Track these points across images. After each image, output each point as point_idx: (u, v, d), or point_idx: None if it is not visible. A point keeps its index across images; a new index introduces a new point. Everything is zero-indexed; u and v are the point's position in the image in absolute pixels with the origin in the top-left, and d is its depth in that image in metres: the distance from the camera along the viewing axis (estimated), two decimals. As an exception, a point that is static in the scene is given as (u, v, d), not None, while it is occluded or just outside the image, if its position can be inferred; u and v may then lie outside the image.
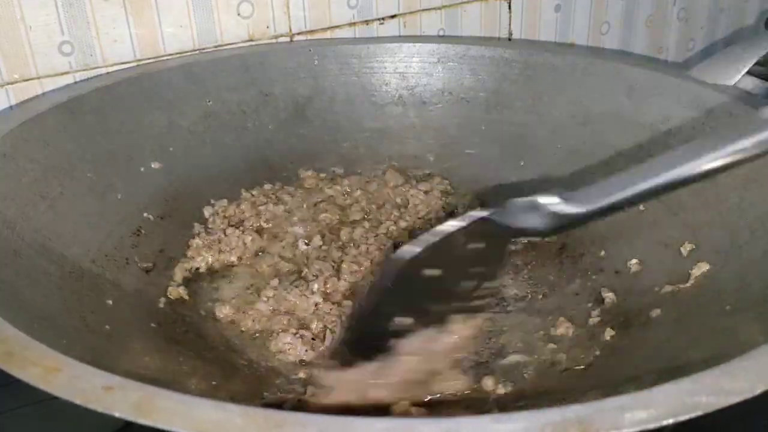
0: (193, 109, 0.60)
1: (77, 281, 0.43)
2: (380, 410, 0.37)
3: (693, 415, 0.25)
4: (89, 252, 0.46)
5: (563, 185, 0.39)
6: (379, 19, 0.70)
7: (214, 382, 0.41)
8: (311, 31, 0.68)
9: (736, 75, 0.53)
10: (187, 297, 0.49)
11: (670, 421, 0.24)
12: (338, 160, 0.64)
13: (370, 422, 0.24)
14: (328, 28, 0.68)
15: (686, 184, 0.36)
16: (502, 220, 0.40)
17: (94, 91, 0.54)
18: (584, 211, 0.37)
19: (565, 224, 0.39)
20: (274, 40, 0.67)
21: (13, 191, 0.44)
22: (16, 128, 0.47)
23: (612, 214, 0.38)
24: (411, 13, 0.71)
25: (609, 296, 0.48)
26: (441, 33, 0.74)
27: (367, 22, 0.69)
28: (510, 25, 0.77)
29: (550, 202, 0.38)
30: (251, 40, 0.66)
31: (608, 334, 0.45)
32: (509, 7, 0.76)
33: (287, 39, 0.67)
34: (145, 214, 0.53)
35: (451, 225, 0.40)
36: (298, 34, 0.67)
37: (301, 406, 0.40)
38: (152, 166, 0.55)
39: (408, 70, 0.66)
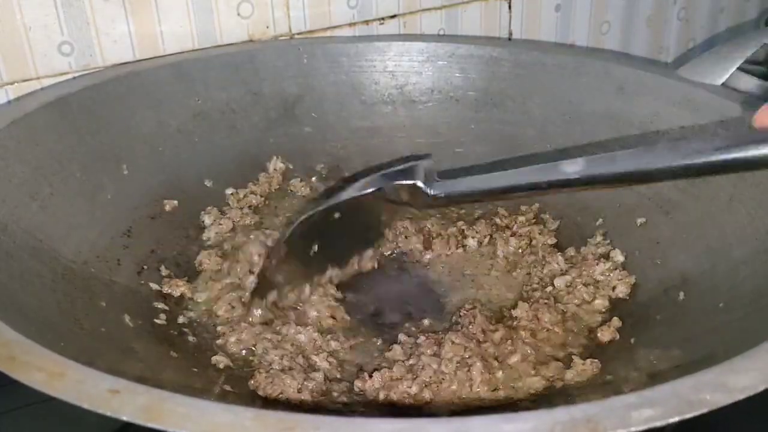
0: (182, 109, 0.59)
1: (69, 283, 0.43)
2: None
3: (698, 412, 0.25)
4: (80, 253, 0.46)
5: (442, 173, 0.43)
6: (379, 19, 0.70)
7: (209, 384, 0.41)
8: (311, 31, 0.67)
9: (725, 74, 0.54)
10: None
11: (677, 418, 0.24)
12: (328, 159, 0.64)
13: (381, 423, 0.24)
14: (328, 28, 0.68)
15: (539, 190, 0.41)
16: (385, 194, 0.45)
17: (82, 89, 0.54)
18: (442, 196, 0.42)
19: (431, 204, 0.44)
20: (274, 41, 0.66)
21: (3, 192, 0.43)
22: (5, 128, 0.46)
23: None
24: (411, 13, 0.71)
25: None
26: (441, 33, 0.74)
27: (367, 22, 0.69)
28: (510, 25, 0.77)
29: (424, 188, 0.43)
30: (251, 41, 0.65)
31: (603, 333, 0.45)
32: (509, 7, 0.76)
33: (287, 39, 0.67)
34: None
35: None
36: (298, 34, 0.67)
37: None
38: (141, 165, 0.55)
39: (397, 68, 0.66)
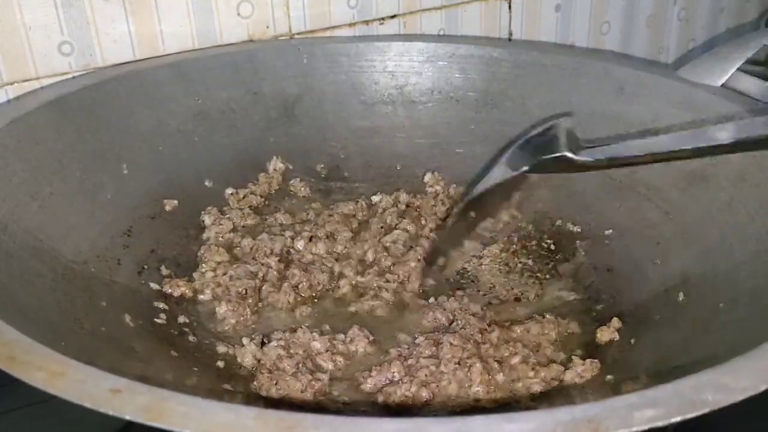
0: (182, 108, 0.59)
1: (70, 283, 0.43)
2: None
3: (700, 412, 0.25)
4: (80, 253, 0.46)
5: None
6: (379, 19, 0.70)
7: (210, 383, 0.41)
8: (311, 31, 0.67)
9: (724, 75, 0.54)
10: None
11: (678, 418, 0.24)
12: (328, 159, 0.64)
13: (382, 423, 0.24)
14: (328, 28, 0.68)
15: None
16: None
17: (82, 89, 0.54)
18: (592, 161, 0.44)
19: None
20: (274, 41, 0.67)
21: (4, 192, 0.43)
22: (5, 127, 0.46)
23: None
24: (411, 13, 0.71)
25: (601, 295, 0.49)
26: (441, 33, 0.74)
27: (367, 22, 0.69)
28: (510, 25, 0.77)
29: (572, 157, 0.44)
30: (251, 41, 0.65)
31: (602, 334, 0.45)
32: (509, 7, 0.76)
33: (287, 39, 0.67)
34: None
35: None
36: (298, 34, 0.67)
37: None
38: (141, 165, 0.55)
39: (397, 69, 0.66)
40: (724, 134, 0.39)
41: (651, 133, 0.44)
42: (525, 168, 0.46)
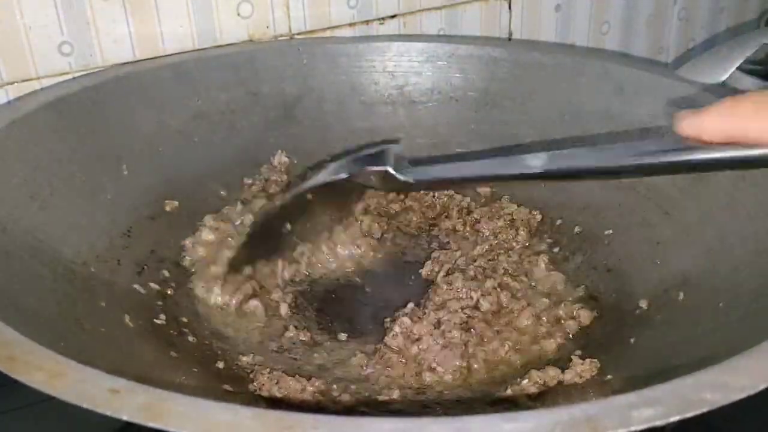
0: (182, 109, 0.59)
1: (69, 283, 0.43)
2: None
3: (699, 411, 0.25)
4: (80, 253, 0.46)
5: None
6: (379, 19, 0.70)
7: (210, 384, 0.41)
8: (311, 31, 0.67)
9: (724, 74, 0.54)
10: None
11: (677, 418, 0.24)
12: (328, 159, 0.64)
13: (381, 422, 0.24)
14: (328, 28, 0.68)
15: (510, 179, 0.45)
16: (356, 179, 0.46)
17: (82, 90, 0.54)
18: (412, 182, 0.43)
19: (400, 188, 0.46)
20: (273, 41, 0.67)
21: (3, 192, 0.43)
22: (4, 128, 0.46)
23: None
24: (411, 13, 0.71)
25: (601, 295, 0.49)
26: (441, 33, 0.74)
27: (367, 22, 0.69)
28: (510, 25, 0.77)
29: (395, 174, 0.43)
30: (251, 41, 0.65)
31: (602, 334, 0.45)
32: (509, 7, 0.76)
33: (287, 39, 0.67)
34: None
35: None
36: (298, 34, 0.67)
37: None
38: (141, 166, 0.55)
39: (397, 69, 0.66)
40: (536, 162, 0.39)
41: (475, 157, 0.44)
42: (344, 175, 0.46)
